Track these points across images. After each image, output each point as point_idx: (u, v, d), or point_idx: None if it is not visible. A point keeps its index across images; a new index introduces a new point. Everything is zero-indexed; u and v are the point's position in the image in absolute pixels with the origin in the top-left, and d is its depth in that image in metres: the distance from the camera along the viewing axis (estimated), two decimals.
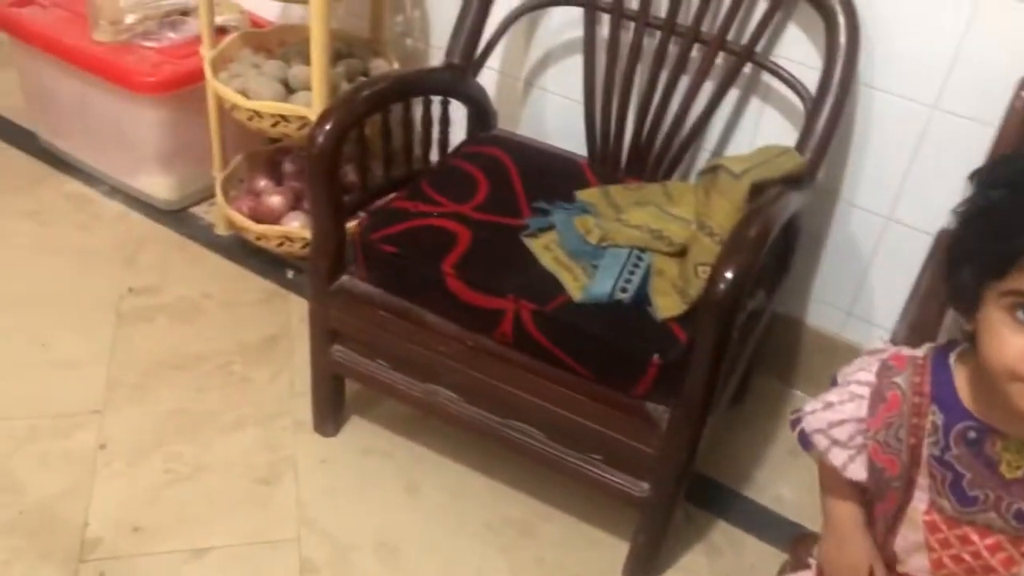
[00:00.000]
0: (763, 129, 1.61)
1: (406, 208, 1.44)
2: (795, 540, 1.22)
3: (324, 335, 1.48)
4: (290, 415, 1.64)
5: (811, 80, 1.43)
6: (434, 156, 1.64)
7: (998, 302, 0.79)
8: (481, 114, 1.68)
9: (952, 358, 0.90)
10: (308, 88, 1.71)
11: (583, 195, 1.48)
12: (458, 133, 1.68)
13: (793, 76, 1.47)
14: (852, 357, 0.99)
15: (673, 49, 1.54)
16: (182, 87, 1.90)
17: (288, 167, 2.01)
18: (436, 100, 1.60)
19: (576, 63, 1.64)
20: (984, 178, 0.83)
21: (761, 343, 1.59)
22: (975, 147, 1.29)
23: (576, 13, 1.62)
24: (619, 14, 1.56)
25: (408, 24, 1.97)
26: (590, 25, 1.59)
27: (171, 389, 1.66)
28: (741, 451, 1.67)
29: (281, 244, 1.87)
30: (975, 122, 1.40)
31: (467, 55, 1.62)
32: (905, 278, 1.45)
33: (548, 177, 1.54)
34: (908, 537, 0.95)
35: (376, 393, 1.59)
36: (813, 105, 1.42)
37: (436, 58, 1.87)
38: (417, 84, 1.62)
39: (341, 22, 1.97)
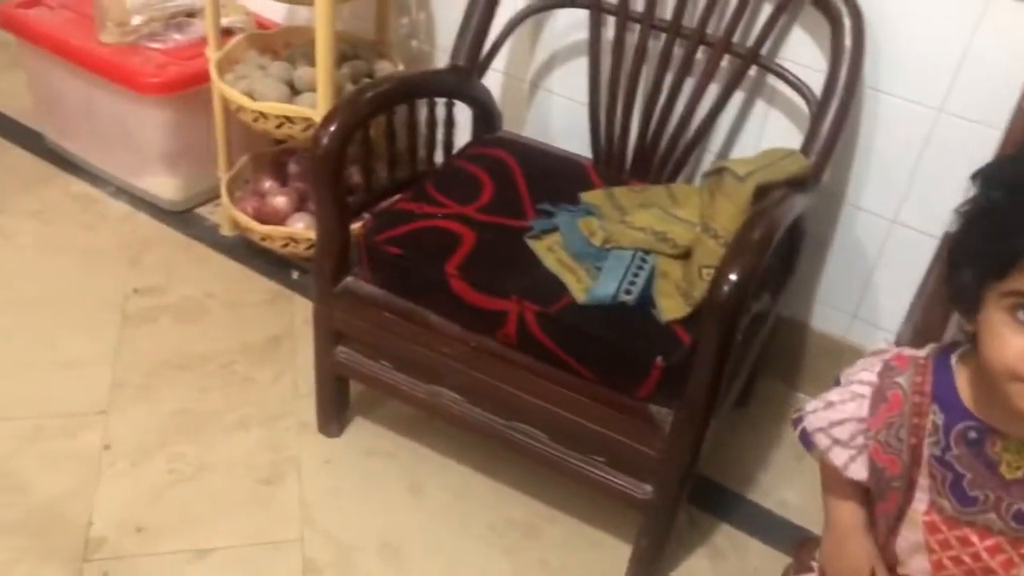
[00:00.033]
0: (768, 132, 1.61)
1: (410, 209, 1.44)
2: (799, 544, 1.22)
3: (328, 336, 1.49)
4: (294, 416, 1.64)
5: (816, 83, 1.43)
6: (439, 158, 1.64)
7: (999, 303, 0.79)
8: (486, 116, 1.68)
9: (954, 359, 0.90)
10: (313, 90, 1.71)
11: (587, 197, 1.48)
12: (463, 135, 1.68)
13: (798, 79, 1.47)
14: (857, 360, 0.99)
15: (678, 51, 1.54)
16: (188, 88, 1.90)
17: (293, 168, 2.01)
18: (441, 102, 1.60)
19: (581, 65, 1.64)
20: (985, 179, 0.84)
21: (766, 346, 1.58)
22: (981, 150, 1.29)
23: (581, 15, 1.62)
24: (624, 16, 1.56)
25: (413, 26, 1.97)
26: (595, 27, 1.59)
27: (175, 389, 1.67)
28: (745, 454, 1.67)
29: (286, 245, 1.87)
30: (981, 125, 1.40)
31: (472, 57, 1.62)
32: (910, 281, 1.45)
33: (552, 179, 1.54)
34: (909, 538, 0.95)
35: (380, 394, 1.59)
36: (818, 108, 1.41)
37: (441, 60, 1.87)
38: (422, 86, 1.63)
39: (346, 24, 1.98)
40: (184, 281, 1.91)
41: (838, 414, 0.95)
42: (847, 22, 1.38)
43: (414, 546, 1.45)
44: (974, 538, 0.90)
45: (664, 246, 1.36)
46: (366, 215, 1.51)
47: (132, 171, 2.08)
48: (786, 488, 1.61)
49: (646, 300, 1.29)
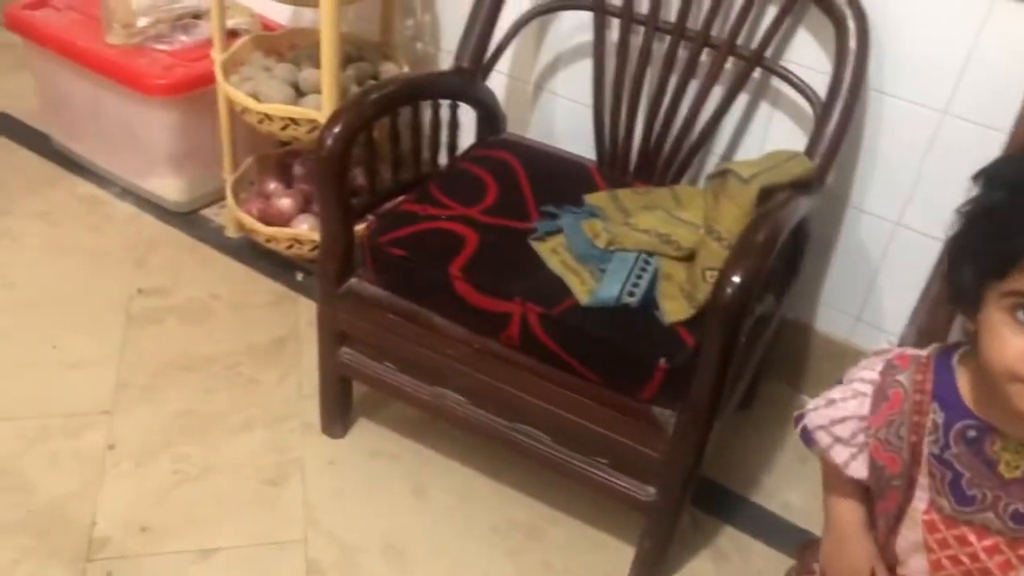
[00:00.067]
0: (772, 134, 1.61)
1: (414, 211, 1.44)
2: (802, 546, 1.22)
3: (332, 337, 1.49)
4: (298, 417, 1.64)
5: (821, 85, 1.43)
6: (443, 159, 1.65)
7: (999, 303, 0.80)
8: (490, 118, 1.68)
9: (955, 358, 0.90)
10: (318, 91, 1.72)
11: (591, 199, 1.48)
12: (467, 137, 1.68)
13: (803, 81, 1.47)
14: (860, 362, 0.99)
15: (683, 53, 1.54)
16: (193, 90, 1.91)
17: (298, 170, 2.01)
18: (445, 104, 1.61)
19: (585, 67, 1.65)
20: (987, 178, 0.84)
21: (770, 348, 1.58)
22: (985, 152, 1.27)
23: (586, 17, 1.62)
24: (629, 18, 1.56)
25: (418, 28, 1.97)
26: (600, 29, 1.59)
27: (180, 390, 1.67)
28: (749, 456, 1.67)
29: (290, 246, 1.88)
30: (986, 127, 1.40)
31: (476, 59, 1.62)
32: (914, 284, 1.46)
33: (556, 181, 1.54)
34: (908, 537, 0.95)
35: (384, 395, 1.59)
36: (823, 110, 1.41)
37: (446, 62, 1.88)
38: (426, 87, 1.63)
39: (351, 26, 1.98)
40: (189, 282, 1.91)
41: (839, 411, 0.96)
42: (851, 24, 1.38)
43: (418, 547, 1.46)
44: (972, 537, 0.90)
45: (668, 248, 1.36)
46: (370, 217, 1.51)
47: (138, 172, 2.09)
48: (790, 490, 1.61)
49: (650, 302, 1.29)
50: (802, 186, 1.33)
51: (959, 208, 0.85)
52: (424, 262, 1.36)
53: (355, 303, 1.43)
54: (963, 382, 0.89)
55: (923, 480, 0.91)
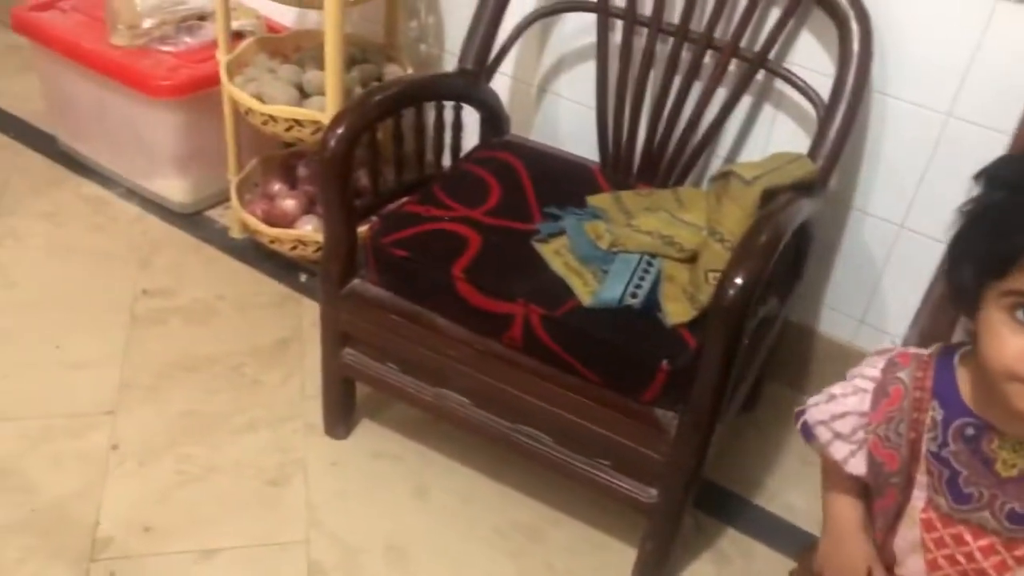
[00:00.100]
0: (775, 136, 1.61)
1: (417, 212, 1.45)
2: (804, 549, 1.21)
3: (335, 338, 1.49)
4: (301, 418, 1.64)
5: (824, 87, 1.43)
6: (446, 161, 1.65)
7: (998, 302, 0.80)
8: (494, 119, 1.68)
9: (957, 357, 0.90)
10: (322, 93, 1.72)
11: (594, 200, 1.48)
12: (471, 138, 1.68)
13: (806, 83, 1.47)
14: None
15: (686, 55, 1.54)
16: (198, 91, 1.91)
17: (302, 171, 2.02)
18: (448, 105, 1.61)
19: (589, 69, 1.65)
20: (988, 178, 0.84)
21: (773, 350, 1.58)
22: (989, 154, 1.26)
23: (589, 19, 1.62)
24: (632, 20, 1.56)
25: (422, 29, 1.98)
26: (603, 31, 1.59)
27: (183, 391, 1.67)
28: (752, 458, 1.67)
29: (295, 248, 1.88)
30: (989, 130, 1.39)
31: (480, 60, 1.63)
32: (917, 286, 1.45)
33: (560, 182, 1.54)
34: (906, 536, 0.95)
35: (386, 396, 1.60)
36: (826, 112, 1.41)
37: (450, 63, 1.88)
38: (430, 89, 1.63)
39: (356, 27, 1.98)
40: (193, 283, 1.92)
41: (840, 407, 0.96)
42: (855, 26, 1.38)
43: (420, 548, 1.46)
44: (968, 537, 0.90)
45: (670, 250, 1.36)
46: (373, 218, 1.51)
47: (143, 173, 2.09)
48: (792, 493, 1.61)
49: (652, 304, 1.29)
50: (805, 188, 1.33)
51: (959, 208, 0.86)
52: (427, 263, 1.37)
53: (358, 304, 1.43)
54: (963, 380, 0.89)
55: (921, 478, 0.91)
